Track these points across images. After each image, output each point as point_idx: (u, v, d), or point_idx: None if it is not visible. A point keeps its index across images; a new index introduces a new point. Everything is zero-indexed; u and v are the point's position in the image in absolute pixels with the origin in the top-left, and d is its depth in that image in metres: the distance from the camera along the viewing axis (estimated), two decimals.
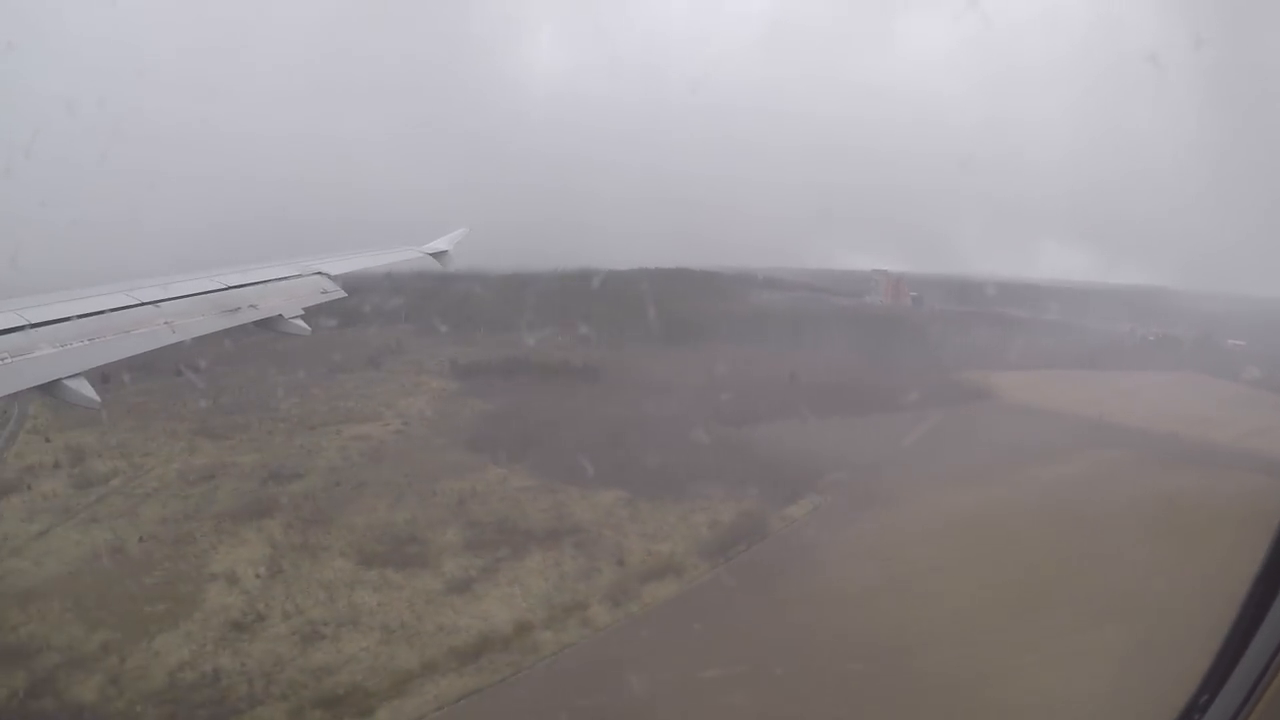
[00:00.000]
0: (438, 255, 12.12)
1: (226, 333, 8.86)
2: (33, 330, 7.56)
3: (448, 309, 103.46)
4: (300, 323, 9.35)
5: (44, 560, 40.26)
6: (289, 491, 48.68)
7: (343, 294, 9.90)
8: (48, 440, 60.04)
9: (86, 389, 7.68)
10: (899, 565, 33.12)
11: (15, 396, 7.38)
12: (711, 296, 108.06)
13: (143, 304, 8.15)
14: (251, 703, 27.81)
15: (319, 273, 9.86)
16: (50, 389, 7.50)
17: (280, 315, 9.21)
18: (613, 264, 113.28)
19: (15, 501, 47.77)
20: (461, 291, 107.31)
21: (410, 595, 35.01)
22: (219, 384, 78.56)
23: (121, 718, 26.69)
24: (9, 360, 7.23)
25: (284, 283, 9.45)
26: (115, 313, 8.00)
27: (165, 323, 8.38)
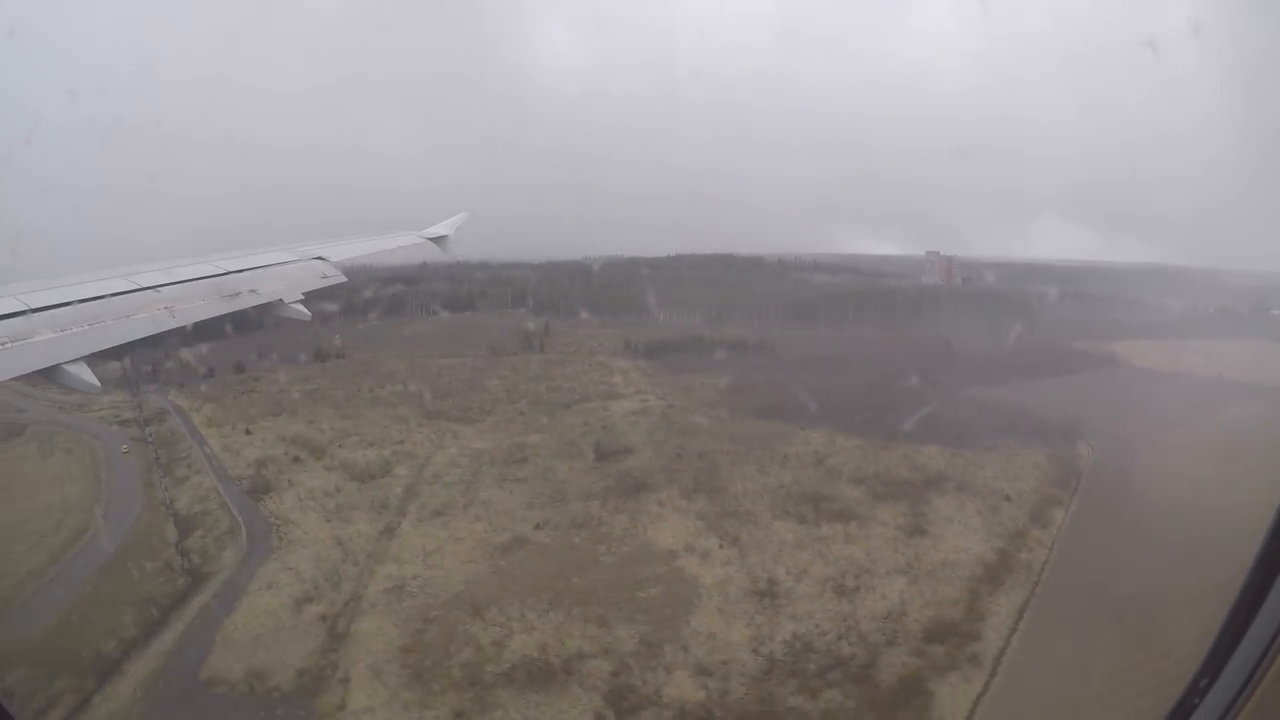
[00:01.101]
0: (438, 240, 12.02)
1: (230, 316, 8.92)
2: (34, 315, 7.59)
3: (533, 296, 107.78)
4: (300, 307, 9.34)
5: (438, 563, 41.21)
6: (638, 466, 52.39)
7: (343, 278, 9.86)
8: (248, 432, 63.02)
9: (86, 373, 7.70)
10: (1204, 484, 38.46)
11: (27, 378, 7.44)
12: (775, 280, 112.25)
13: (143, 289, 8.16)
14: (872, 657, 29.82)
15: (318, 258, 9.83)
16: (51, 373, 7.53)
17: (280, 300, 9.22)
18: (639, 252, 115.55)
19: (290, 500, 50.33)
20: (523, 279, 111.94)
21: (877, 543, 39.38)
22: (376, 369, 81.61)
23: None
24: (10, 345, 7.26)
25: (283, 267, 9.45)
26: (115, 297, 8.01)
27: (165, 308, 8.39)
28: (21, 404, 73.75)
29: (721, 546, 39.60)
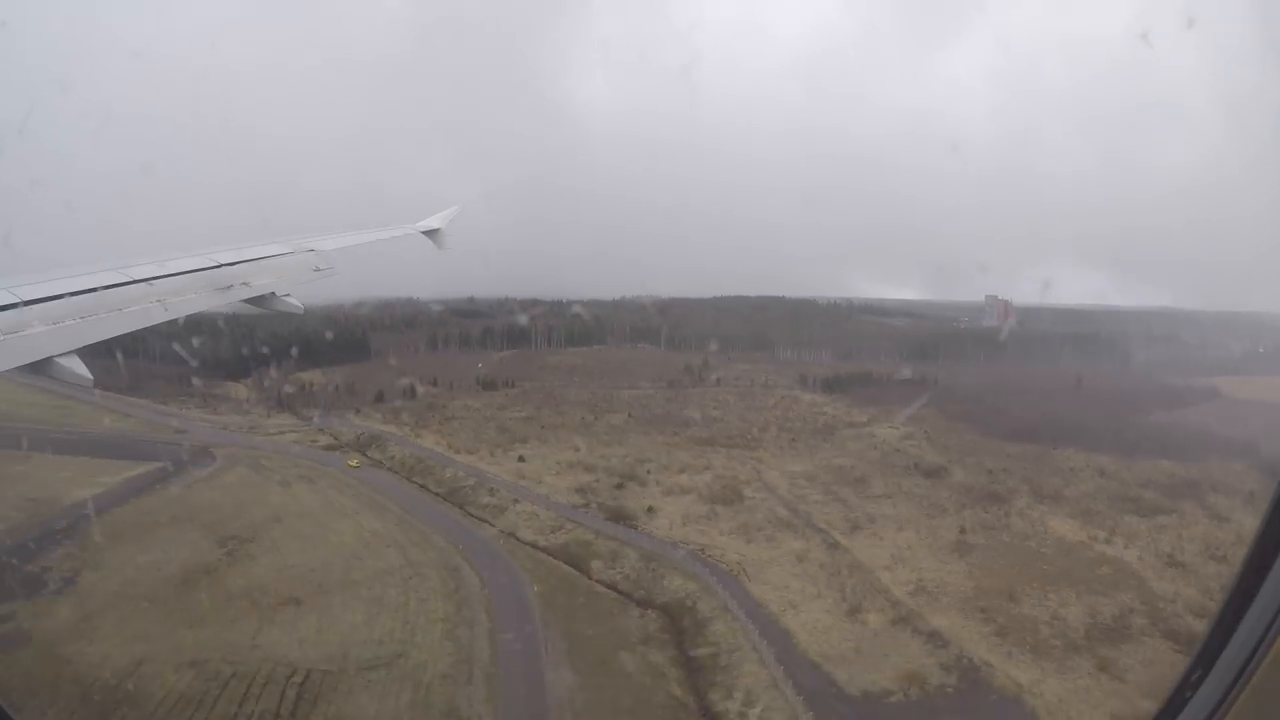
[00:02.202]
0: (430, 233, 12.07)
1: (235, 309, 8.80)
2: (26, 308, 7.39)
3: (641, 331, 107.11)
4: (292, 300, 9.35)
5: (919, 564, 44.43)
6: (967, 480, 58.81)
7: (335, 271, 9.90)
8: (521, 459, 63.48)
9: (79, 366, 7.67)
10: None
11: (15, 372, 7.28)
12: (847, 321, 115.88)
13: (135, 282, 7.94)
14: None
15: (310, 250, 9.79)
16: (43, 366, 7.48)
17: (272, 293, 9.17)
18: (676, 292, 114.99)
19: (663, 523, 51.21)
20: (610, 316, 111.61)
21: (1197, 529, 49.25)
22: (562, 397, 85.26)
23: None
24: (2, 338, 7.13)
25: (276, 260, 9.33)
26: (108, 290, 7.80)
27: (157, 300, 8.22)
28: (178, 423, 72.88)
29: (1108, 538, 48.27)
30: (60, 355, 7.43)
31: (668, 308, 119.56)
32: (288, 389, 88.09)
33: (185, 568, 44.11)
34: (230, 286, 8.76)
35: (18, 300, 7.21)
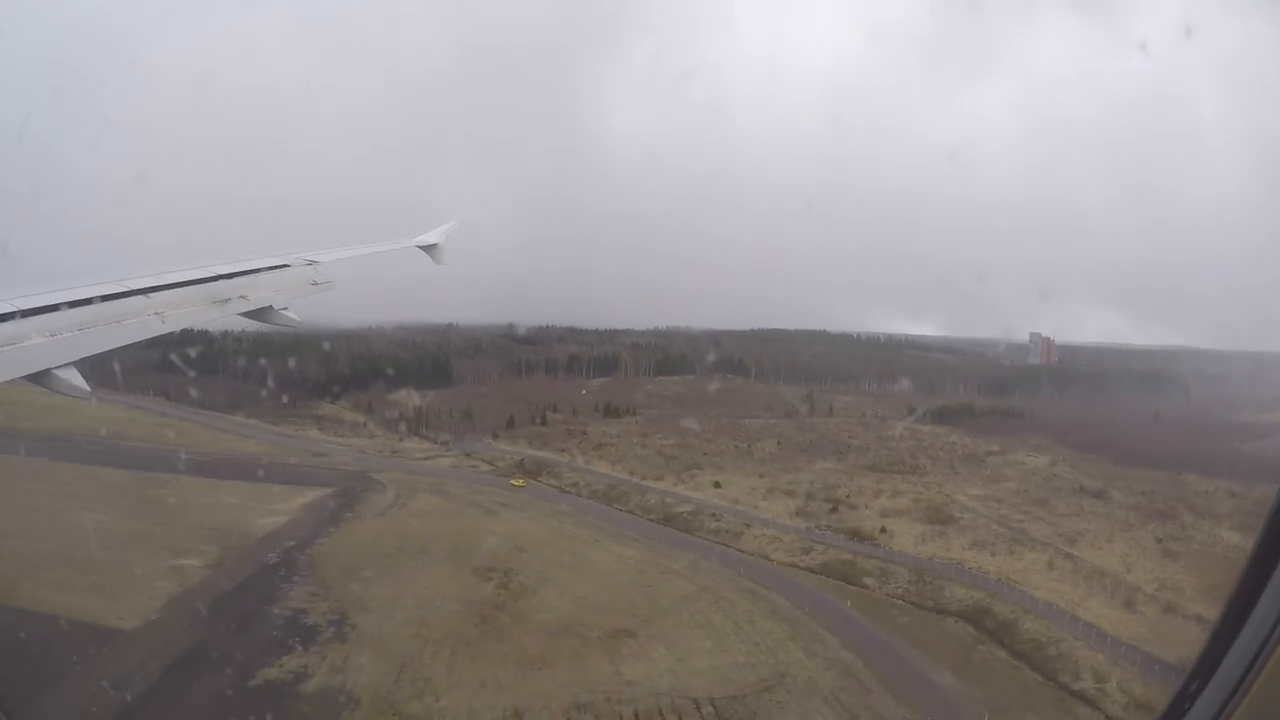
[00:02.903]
0: (428, 249, 12.10)
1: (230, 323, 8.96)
2: (23, 319, 7.63)
3: (711, 362, 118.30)
4: (290, 314, 9.35)
5: (1180, 568, 48.12)
6: (1127, 502, 62.37)
7: (332, 284, 9.88)
8: (717, 485, 67.02)
9: (77, 378, 7.66)
10: None
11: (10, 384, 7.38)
12: (899, 357, 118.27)
13: (133, 293, 8.24)
14: None
15: (309, 263, 9.91)
16: (40, 378, 7.48)
17: (270, 306, 9.25)
18: (707, 324, 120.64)
19: (905, 540, 54.92)
20: (667, 345, 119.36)
21: None
22: (681, 425, 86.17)
23: None
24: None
25: (274, 273, 9.53)
26: (106, 302, 8.08)
27: (155, 313, 8.44)
28: (302, 444, 78.03)
29: None
30: (58, 367, 7.50)
31: (720, 339, 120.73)
32: (389, 412, 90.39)
33: (466, 603, 43.34)
34: (228, 299, 8.95)
35: (14, 311, 7.59)
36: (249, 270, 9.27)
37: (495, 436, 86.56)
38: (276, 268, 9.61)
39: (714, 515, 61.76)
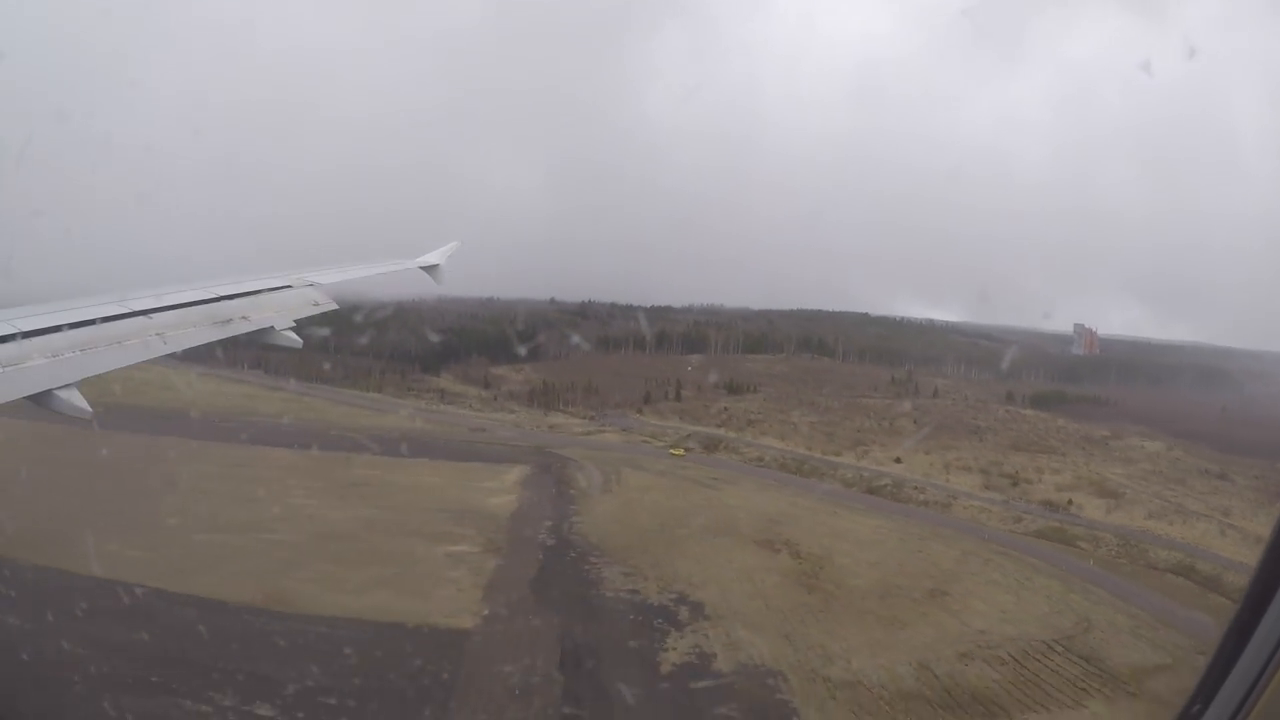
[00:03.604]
0: (429, 269, 12.15)
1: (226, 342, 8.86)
2: (25, 340, 7.71)
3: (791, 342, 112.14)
4: (291, 334, 9.25)
5: None
6: None
7: (334, 306, 9.86)
8: (898, 460, 69.25)
9: (78, 399, 7.57)
10: None
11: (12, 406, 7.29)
12: (950, 343, 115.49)
13: (134, 314, 8.31)
14: None
15: (311, 284, 9.99)
16: (41, 399, 7.41)
17: (272, 327, 9.20)
18: (741, 303, 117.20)
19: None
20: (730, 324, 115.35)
21: None
22: (808, 402, 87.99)
23: None
24: (1, 370, 7.28)
25: (275, 294, 9.59)
26: (107, 323, 8.14)
27: (156, 334, 8.45)
28: (466, 421, 76.25)
29: None
30: (59, 388, 7.49)
31: (772, 319, 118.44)
32: (503, 386, 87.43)
33: (780, 574, 43.25)
34: (230, 320, 8.94)
35: (16, 332, 7.71)
36: (250, 291, 9.38)
37: (639, 411, 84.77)
38: (278, 289, 9.71)
39: (915, 488, 64.65)
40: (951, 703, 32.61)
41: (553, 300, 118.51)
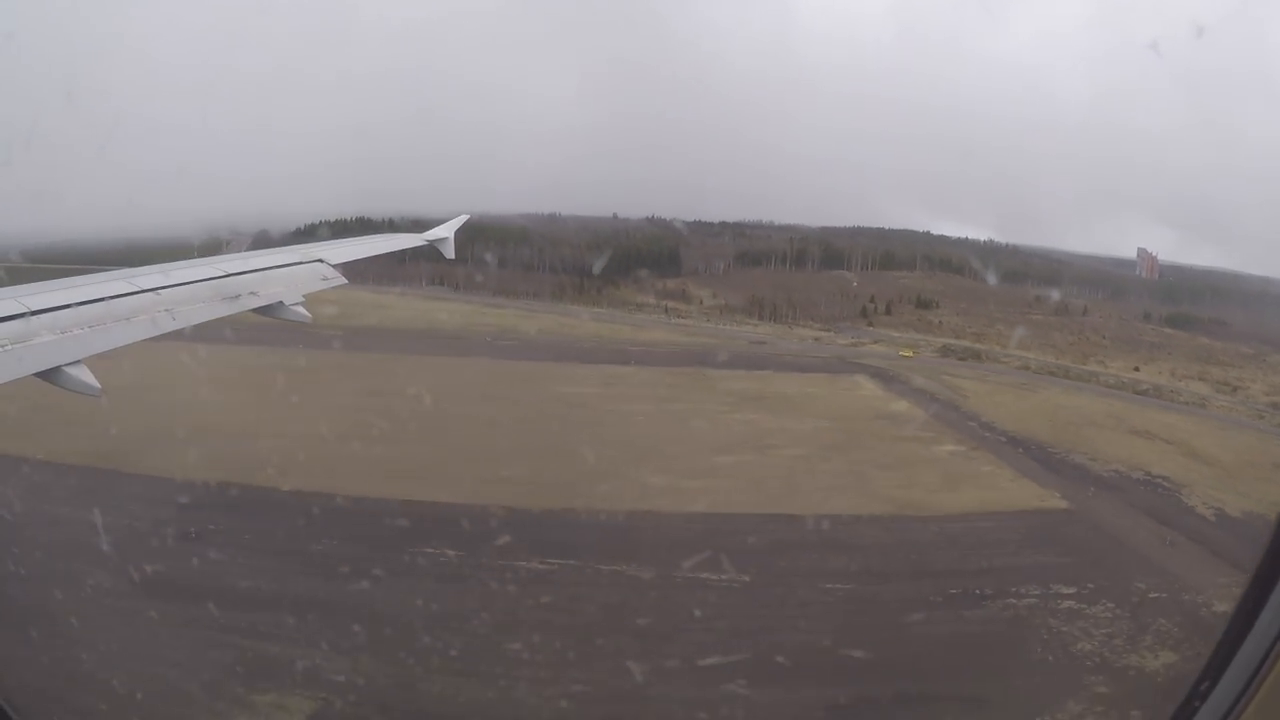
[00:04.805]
0: (439, 242, 11.92)
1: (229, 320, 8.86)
2: (33, 317, 7.64)
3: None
4: (301, 310, 9.21)
5: None
6: None
7: (343, 281, 9.74)
8: (1137, 369, 75.50)
9: (87, 375, 7.59)
10: None
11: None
12: (1014, 263, 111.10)
13: (143, 291, 8.23)
14: None
15: (319, 260, 9.80)
16: (50, 376, 7.43)
17: (281, 302, 9.14)
18: (788, 219, 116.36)
19: None
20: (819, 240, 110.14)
21: None
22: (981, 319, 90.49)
23: None
24: (9, 347, 7.24)
25: (284, 270, 9.43)
26: (116, 300, 8.08)
27: (165, 310, 8.41)
28: (725, 335, 78.33)
29: None
30: (68, 364, 7.47)
31: (847, 236, 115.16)
32: (692, 299, 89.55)
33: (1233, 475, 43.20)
34: (238, 296, 8.86)
35: (25, 310, 7.62)
36: (259, 268, 9.22)
37: (869, 324, 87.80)
38: (286, 265, 9.53)
39: (1173, 394, 67.10)
40: None
41: (615, 216, 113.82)
